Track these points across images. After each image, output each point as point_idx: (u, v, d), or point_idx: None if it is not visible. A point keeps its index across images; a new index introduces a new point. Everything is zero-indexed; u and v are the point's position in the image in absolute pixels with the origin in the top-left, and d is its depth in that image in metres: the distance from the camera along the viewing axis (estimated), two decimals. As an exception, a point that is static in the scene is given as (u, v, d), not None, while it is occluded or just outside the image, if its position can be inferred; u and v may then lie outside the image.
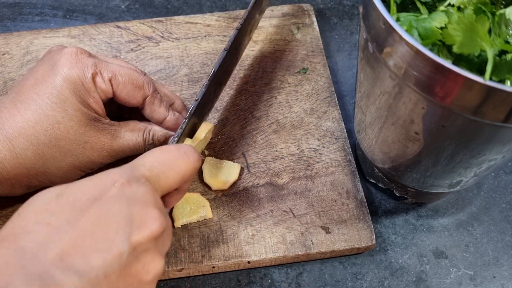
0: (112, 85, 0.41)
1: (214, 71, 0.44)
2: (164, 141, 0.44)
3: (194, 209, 0.45)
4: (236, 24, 0.58)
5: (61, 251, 0.27)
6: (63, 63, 0.39)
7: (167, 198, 0.37)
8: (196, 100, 0.42)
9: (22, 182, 0.39)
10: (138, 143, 0.43)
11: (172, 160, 0.34)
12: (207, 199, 0.46)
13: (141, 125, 0.43)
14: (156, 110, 0.43)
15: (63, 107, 0.38)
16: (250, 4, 0.49)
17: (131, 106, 0.43)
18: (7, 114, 0.38)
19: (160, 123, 0.44)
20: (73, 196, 0.29)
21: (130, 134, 0.42)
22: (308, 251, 0.44)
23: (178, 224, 0.44)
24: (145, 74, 0.44)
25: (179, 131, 0.41)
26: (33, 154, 0.38)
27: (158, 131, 0.44)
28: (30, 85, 0.39)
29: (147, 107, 0.43)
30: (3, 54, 0.54)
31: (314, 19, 0.59)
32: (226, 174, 0.47)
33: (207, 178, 0.46)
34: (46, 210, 0.29)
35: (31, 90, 0.39)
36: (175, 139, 0.40)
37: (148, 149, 0.42)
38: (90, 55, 0.41)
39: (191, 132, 0.44)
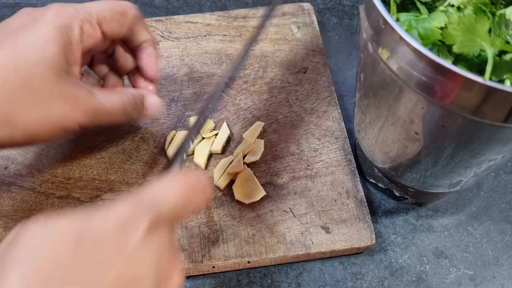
0: (101, 27, 0.40)
1: (231, 76, 0.43)
2: (142, 101, 0.42)
3: None
4: (237, 23, 0.58)
5: None
6: (48, 14, 0.37)
7: None
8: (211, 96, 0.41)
9: None
10: (117, 105, 0.40)
11: (192, 196, 0.31)
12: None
13: (119, 88, 0.41)
14: (143, 31, 0.43)
15: (41, 50, 0.36)
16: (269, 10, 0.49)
17: (122, 37, 0.42)
18: None
19: (145, 42, 0.44)
20: (96, 240, 0.26)
21: (106, 95, 0.40)
22: (308, 251, 0.44)
23: None
24: None
25: (201, 120, 0.40)
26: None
27: (135, 91, 0.42)
28: (4, 29, 0.37)
29: (136, 27, 0.42)
30: (3, 54, 0.54)
31: (314, 18, 0.58)
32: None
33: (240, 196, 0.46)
34: (66, 262, 0.25)
35: (5, 34, 0.36)
36: (193, 137, 0.39)
37: (131, 116, 0.41)
38: (72, 6, 0.39)
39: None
